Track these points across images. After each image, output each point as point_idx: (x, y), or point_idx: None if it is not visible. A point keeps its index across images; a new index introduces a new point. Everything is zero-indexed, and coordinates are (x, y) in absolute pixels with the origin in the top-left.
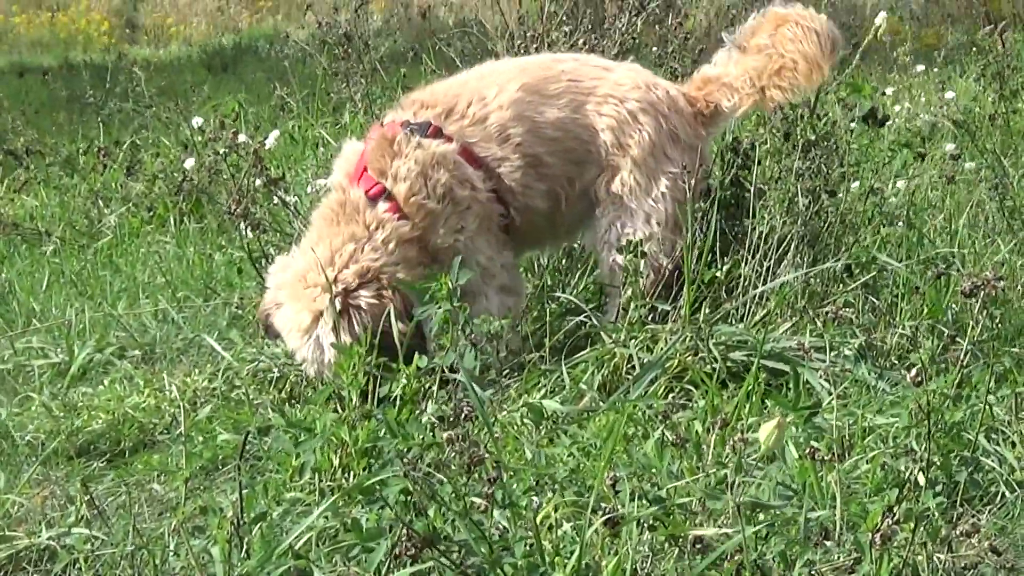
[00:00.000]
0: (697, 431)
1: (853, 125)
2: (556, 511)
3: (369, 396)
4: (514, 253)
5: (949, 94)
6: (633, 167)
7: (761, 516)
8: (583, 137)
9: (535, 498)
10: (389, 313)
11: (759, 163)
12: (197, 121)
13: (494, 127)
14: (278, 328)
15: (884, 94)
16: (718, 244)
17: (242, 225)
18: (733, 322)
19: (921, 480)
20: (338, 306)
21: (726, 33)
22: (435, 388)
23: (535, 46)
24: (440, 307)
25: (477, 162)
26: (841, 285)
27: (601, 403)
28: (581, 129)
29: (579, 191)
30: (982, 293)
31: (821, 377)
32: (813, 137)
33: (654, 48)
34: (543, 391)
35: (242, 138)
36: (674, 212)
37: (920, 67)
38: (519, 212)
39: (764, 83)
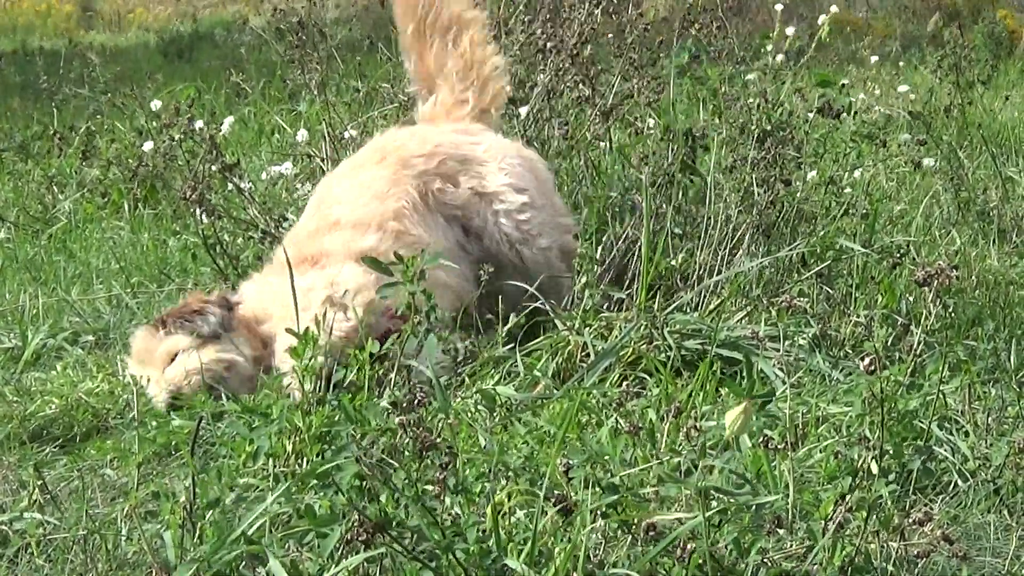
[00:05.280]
0: (651, 419)
1: (811, 115)
2: (509, 498)
3: (325, 382)
4: None
5: (902, 87)
6: None
7: (714, 504)
8: None
9: (488, 485)
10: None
11: (715, 151)
12: (155, 104)
13: None
14: None
15: (843, 85)
16: (668, 233)
17: (197, 211)
18: (688, 311)
19: (874, 468)
20: None
21: None
22: (392, 375)
23: (492, 33)
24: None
25: None
26: (796, 274)
27: (555, 390)
28: None
29: None
30: (935, 282)
31: (775, 366)
32: (768, 127)
33: (610, 36)
34: (497, 378)
35: (198, 124)
36: None
37: (875, 59)
38: None
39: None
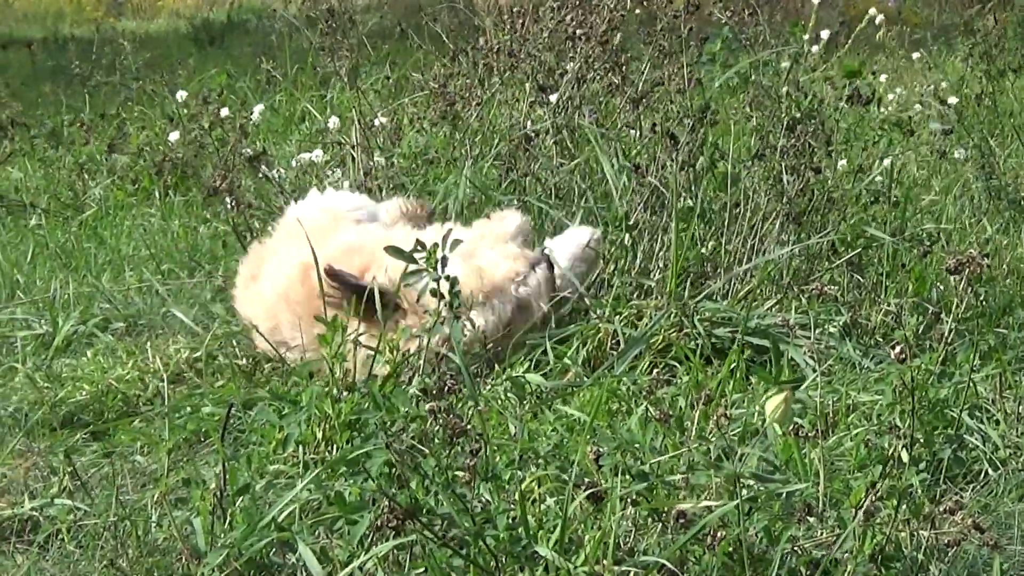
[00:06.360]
0: (681, 407)
1: (841, 104)
2: (539, 485)
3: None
4: None
5: (933, 75)
6: None
7: (744, 492)
8: None
9: (518, 472)
10: None
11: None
12: (181, 95)
13: None
14: None
15: (873, 74)
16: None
17: (227, 199)
18: (717, 299)
19: (905, 457)
20: None
21: None
22: (421, 361)
23: (521, 22)
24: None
25: None
26: (826, 262)
27: (585, 378)
28: None
29: None
30: (967, 271)
31: (805, 354)
32: (798, 115)
33: (642, 26)
34: (527, 366)
35: (226, 112)
36: None
37: (914, 53)
38: None
39: None
